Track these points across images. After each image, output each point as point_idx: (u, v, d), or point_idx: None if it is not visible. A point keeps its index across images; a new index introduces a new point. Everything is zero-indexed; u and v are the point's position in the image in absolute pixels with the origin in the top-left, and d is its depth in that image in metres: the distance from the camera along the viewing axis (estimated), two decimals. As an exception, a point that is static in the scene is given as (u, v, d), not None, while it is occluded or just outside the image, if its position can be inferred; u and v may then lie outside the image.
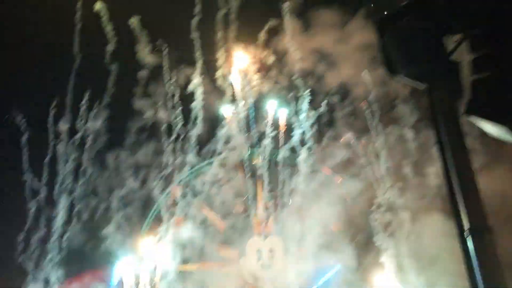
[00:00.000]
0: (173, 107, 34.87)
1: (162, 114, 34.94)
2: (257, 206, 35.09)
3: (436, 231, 26.17)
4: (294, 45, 33.73)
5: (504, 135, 6.72)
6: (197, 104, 34.13)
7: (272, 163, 35.05)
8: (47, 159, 34.46)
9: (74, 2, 33.82)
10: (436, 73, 7.10)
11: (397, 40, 7.28)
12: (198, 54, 34.10)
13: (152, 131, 35.22)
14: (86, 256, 33.84)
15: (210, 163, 35.29)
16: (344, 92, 34.81)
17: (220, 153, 35.30)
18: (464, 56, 7.07)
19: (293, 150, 34.82)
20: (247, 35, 35.22)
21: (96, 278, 34.30)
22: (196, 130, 34.18)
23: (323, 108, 34.19)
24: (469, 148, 6.93)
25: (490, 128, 6.82)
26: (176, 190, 35.04)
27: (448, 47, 7.15)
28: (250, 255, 33.12)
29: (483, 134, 7.09)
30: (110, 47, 34.21)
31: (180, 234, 34.15)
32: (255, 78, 35.27)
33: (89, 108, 35.08)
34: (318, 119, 34.53)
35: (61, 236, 33.37)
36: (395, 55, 7.33)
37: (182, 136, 34.62)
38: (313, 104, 34.50)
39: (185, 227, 34.20)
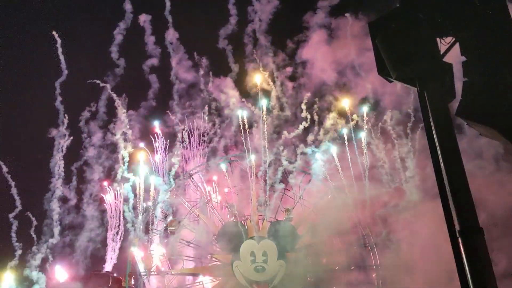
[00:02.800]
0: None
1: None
2: (252, 209, 35.13)
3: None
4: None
5: (494, 136, 6.80)
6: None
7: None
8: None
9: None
10: (428, 75, 7.15)
11: (389, 42, 7.33)
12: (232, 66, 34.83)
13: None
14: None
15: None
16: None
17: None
18: (455, 58, 7.15)
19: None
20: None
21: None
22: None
23: None
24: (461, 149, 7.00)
25: (481, 129, 6.89)
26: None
27: (440, 49, 7.22)
28: (244, 258, 33.07)
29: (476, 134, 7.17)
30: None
31: (174, 237, 34.15)
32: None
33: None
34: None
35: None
36: (387, 57, 7.37)
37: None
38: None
39: (179, 231, 34.20)
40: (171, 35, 35.03)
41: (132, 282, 33.12)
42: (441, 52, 7.24)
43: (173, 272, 34.04)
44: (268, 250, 33.38)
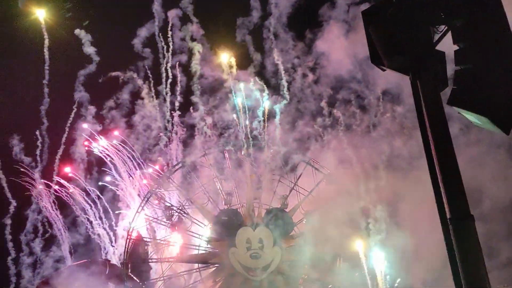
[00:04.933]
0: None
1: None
2: (247, 197, 35.26)
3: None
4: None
5: (485, 125, 6.86)
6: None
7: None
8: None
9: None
10: (421, 63, 7.19)
11: (383, 31, 7.35)
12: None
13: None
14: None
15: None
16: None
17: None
18: (448, 47, 7.18)
19: None
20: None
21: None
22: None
23: None
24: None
25: (473, 117, 6.96)
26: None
27: (433, 38, 7.25)
28: (240, 245, 33.27)
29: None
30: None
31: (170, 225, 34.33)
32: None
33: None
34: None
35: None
36: (380, 46, 7.40)
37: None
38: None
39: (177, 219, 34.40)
40: (194, 29, 35.29)
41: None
42: (434, 41, 7.27)
43: (169, 260, 34.22)
44: (263, 237, 33.56)
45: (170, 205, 34.81)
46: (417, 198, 27.19)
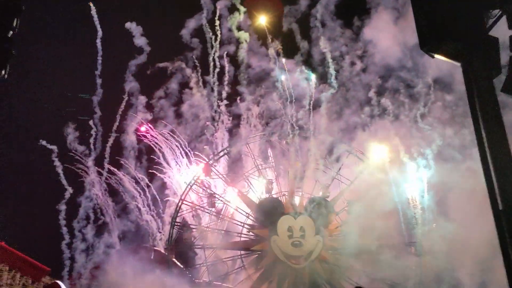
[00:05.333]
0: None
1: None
2: (289, 185, 35.31)
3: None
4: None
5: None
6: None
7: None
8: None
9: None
10: (473, 50, 6.93)
11: (433, 16, 7.12)
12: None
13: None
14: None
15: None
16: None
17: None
18: (503, 32, 6.89)
19: None
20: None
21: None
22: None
23: None
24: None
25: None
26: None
27: (486, 23, 6.97)
28: (282, 233, 33.44)
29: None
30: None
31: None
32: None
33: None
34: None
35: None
36: (430, 31, 7.18)
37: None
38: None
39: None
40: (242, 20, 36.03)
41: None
42: (487, 26, 6.99)
43: (213, 246, 34.83)
44: (305, 225, 33.57)
45: (213, 192, 35.34)
46: (468, 189, 26.41)
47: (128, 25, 36.25)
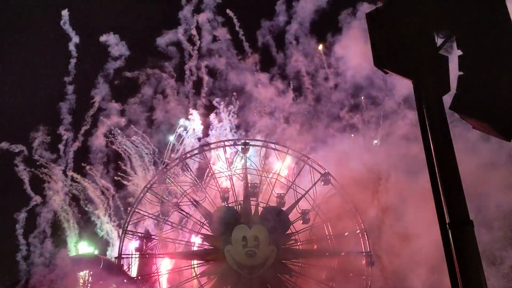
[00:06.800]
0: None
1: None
2: (244, 195, 35.29)
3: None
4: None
5: (488, 131, 6.86)
6: None
7: None
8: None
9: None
10: (423, 67, 7.17)
11: (386, 34, 7.33)
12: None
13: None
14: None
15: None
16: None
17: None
18: (451, 52, 7.16)
19: None
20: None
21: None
22: None
23: None
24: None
25: (474, 123, 6.95)
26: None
27: (437, 42, 7.23)
28: (236, 243, 33.29)
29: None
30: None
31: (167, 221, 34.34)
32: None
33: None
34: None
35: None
36: (383, 48, 7.37)
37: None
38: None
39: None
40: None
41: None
42: (438, 45, 7.25)
43: (164, 255, 34.22)
44: (259, 235, 33.60)
45: (166, 201, 34.80)
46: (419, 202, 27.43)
47: (104, 37, 35.91)
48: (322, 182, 35.19)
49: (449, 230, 6.47)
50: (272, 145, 36.48)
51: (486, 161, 27.54)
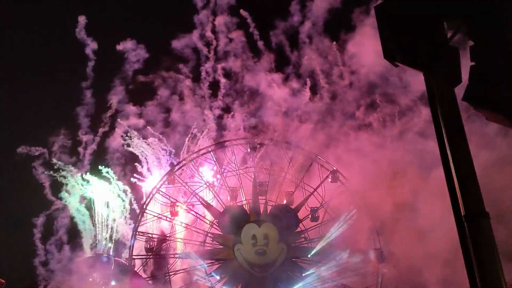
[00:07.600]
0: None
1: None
2: (253, 193, 35.24)
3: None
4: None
5: (501, 121, 6.77)
6: None
7: None
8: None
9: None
10: (434, 59, 7.08)
11: (396, 26, 7.25)
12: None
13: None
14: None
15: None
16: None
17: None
18: (462, 42, 7.08)
19: None
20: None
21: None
22: None
23: None
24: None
25: (488, 114, 6.86)
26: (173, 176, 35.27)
27: (447, 33, 7.14)
28: (246, 241, 33.28)
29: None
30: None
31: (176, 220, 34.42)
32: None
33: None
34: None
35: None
36: (393, 41, 7.29)
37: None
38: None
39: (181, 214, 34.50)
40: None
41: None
42: (448, 36, 7.16)
43: (175, 256, 34.29)
44: (269, 233, 33.58)
45: (175, 201, 34.85)
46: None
47: (121, 46, 36.40)
48: (330, 179, 35.08)
49: (465, 223, 6.40)
50: (281, 144, 36.40)
51: (502, 155, 27.26)
